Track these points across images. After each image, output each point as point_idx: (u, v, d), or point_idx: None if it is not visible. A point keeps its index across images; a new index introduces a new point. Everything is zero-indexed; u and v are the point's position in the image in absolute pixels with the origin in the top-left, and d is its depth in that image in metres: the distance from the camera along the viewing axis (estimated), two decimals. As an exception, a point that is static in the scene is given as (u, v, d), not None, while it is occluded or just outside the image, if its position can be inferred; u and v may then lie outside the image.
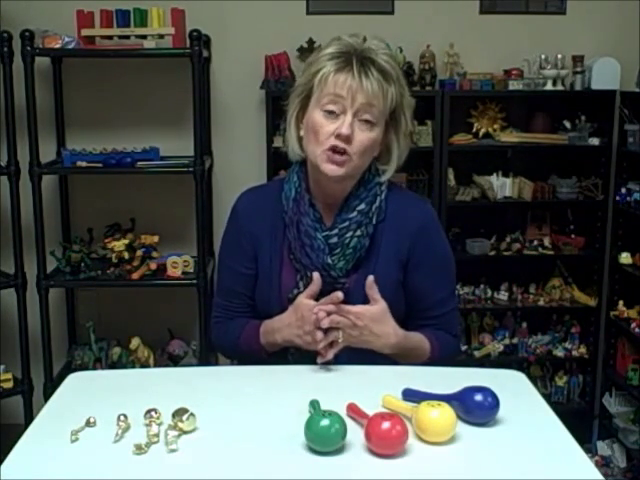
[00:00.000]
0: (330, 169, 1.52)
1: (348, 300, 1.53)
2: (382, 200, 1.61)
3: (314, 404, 1.28)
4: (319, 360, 1.51)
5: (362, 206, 1.59)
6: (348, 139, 1.50)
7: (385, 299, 1.55)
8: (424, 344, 1.60)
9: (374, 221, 1.59)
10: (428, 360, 1.60)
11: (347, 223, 1.58)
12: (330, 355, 1.50)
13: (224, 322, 1.70)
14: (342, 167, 1.52)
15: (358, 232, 1.57)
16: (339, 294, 1.50)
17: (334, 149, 1.51)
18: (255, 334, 1.62)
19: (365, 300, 1.54)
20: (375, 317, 1.52)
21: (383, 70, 1.52)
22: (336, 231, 1.58)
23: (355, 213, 1.58)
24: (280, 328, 1.57)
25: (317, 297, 1.55)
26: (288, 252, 1.62)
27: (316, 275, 1.54)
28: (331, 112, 1.51)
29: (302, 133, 1.59)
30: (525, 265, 3.37)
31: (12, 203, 2.93)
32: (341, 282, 1.57)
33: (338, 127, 1.50)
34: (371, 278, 1.52)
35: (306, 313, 1.51)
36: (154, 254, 3.08)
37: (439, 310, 1.64)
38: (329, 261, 1.56)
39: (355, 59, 1.51)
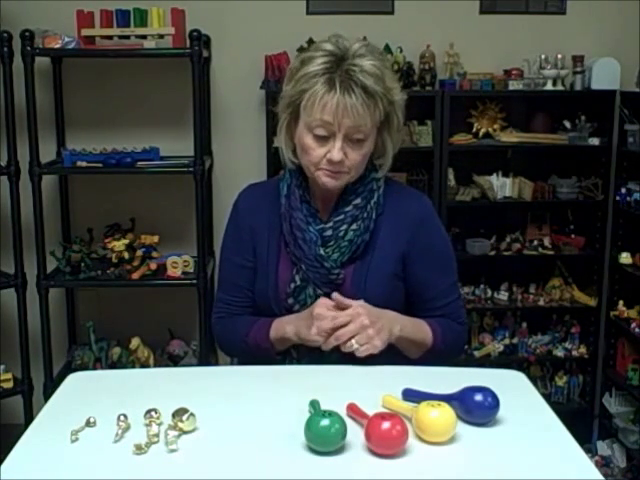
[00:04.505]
0: (328, 183, 1.56)
1: (344, 291, 1.57)
2: (380, 195, 1.63)
3: (314, 404, 1.28)
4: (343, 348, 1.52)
5: (358, 200, 1.61)
6: (341, 162, 1.53)
7: (380, 292, 1.58)
8: (422, 324, 1.62)
9: (374, 216, 1.61)
10: (433, 344, 1.60)
11: (342, 216, 1.60)
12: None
13: (228, 318, 1.71)
14: (339, 180, 1.56)
15: (354, 226, 1.60)
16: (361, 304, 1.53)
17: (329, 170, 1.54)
18: (265, 330, 1.61)
19: (360, 291, 1.57)
20: (365, 306, 1.53)
21: (367, 89, 1.50)
22: (331, 224, 1.60)
23: (351, 207, 1.61)
24: (292, 320, 1.59)
25: (314, 287, 1.59)
26: (285, 246, 1.65)
27: (335, 295, 1.56)
28: (321, 136, 1.52)
29: (295, 141, 1.60)
30: (525, 265, 3.37)
31: (12, 203, 2.93)
32: (335, 273, 1.59)
33: (329, 151, 1.52)
34: (335, 295, 1.55)
35: (318, 309, 1.53)
36: (154, 254, 3.08)
37: (443, 300, 1.66)
38: (322, 252, 1.59)
39: (339, 80, 1.49)
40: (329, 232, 1.60)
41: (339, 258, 1.60)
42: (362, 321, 1.49)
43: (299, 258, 1.61)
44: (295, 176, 1.65)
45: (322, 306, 1.53)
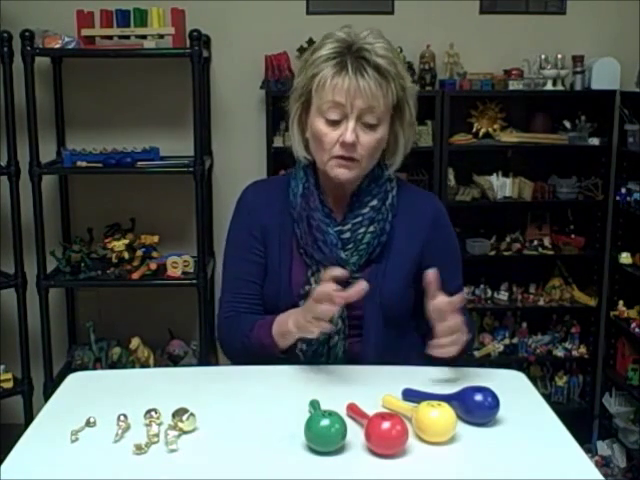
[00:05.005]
0: (340, 173, 1.53)
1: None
2: (394, 196, 1.61)
3: (314, 404, 1.28)
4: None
5: (374, 202, 1.59)
6: (353, 145, 1.49)
7: (396, 294, 1.56)
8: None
9: (390, 218, 1.59)
10: (467, 341, 1.53)
11: (360, 219, 1.58)
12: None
13: (235, 316, 1.64)
14: (352, 171, 1.53)
15: (371, 228, 1.58)
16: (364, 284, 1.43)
17: (341, 157, 1.51)
18: (268, 325, 1.55)
19: (377, 294, 1.53)
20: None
21: (380, 69, 1.49)
22: (349, 226, 1.58)
23: (367, 209, 1.58)
24: (294, 313, 1.52)
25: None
26: (297, 247, 1.61)
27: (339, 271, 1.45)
28: (333, 120, 1.50)
29: (307, 135, 1.57)
30: (525, 265, 3.37)
31: (12, 203, 2.93)
32: (355, 277, 1.56)
33: (342, 134, 1.49)
34: (432, 273, 1.44)
35: (317, 294, 1.43)
36: (154, 254, 3.08)
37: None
38: (343, 256, 1.56)
39: (350, 61, 1.48)
40: (347, 234, 1.57)
41: (357, 261, 1.58)
42: (458, 321, 1.43)
43: (318, 261, 1.57)
44: (310, 174, 1.62)
45: (324, 288, 1.43)
